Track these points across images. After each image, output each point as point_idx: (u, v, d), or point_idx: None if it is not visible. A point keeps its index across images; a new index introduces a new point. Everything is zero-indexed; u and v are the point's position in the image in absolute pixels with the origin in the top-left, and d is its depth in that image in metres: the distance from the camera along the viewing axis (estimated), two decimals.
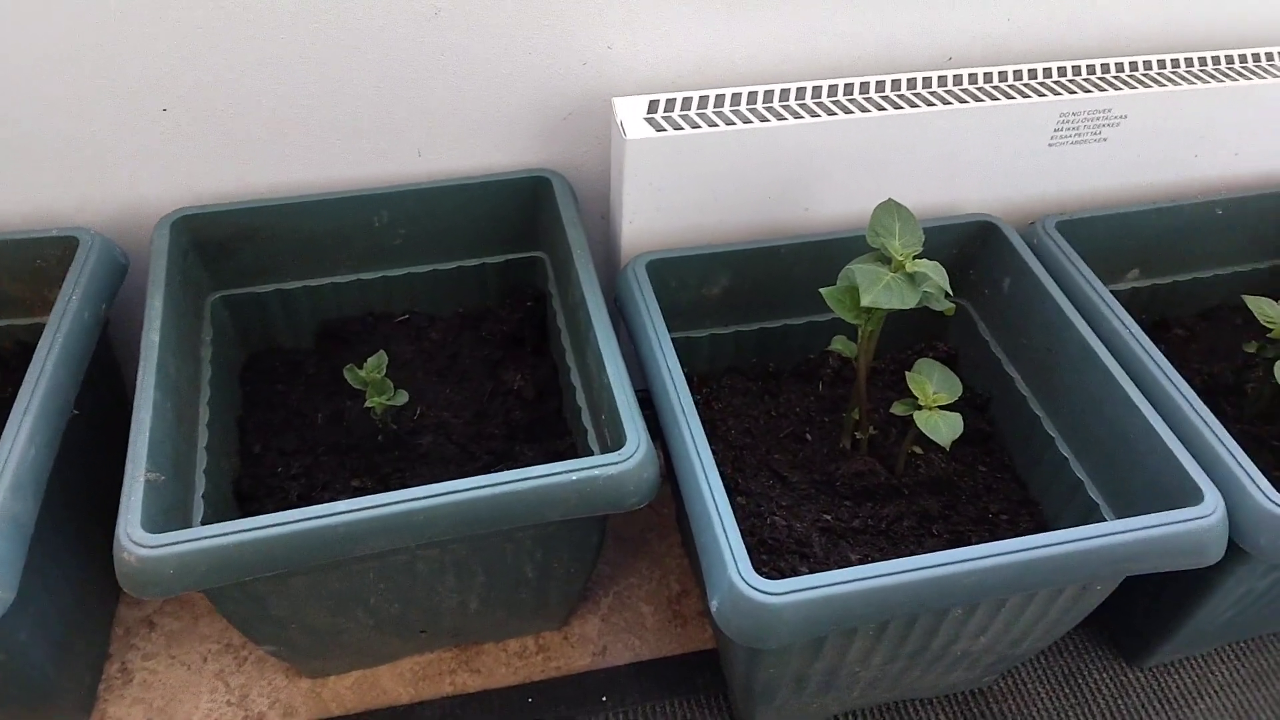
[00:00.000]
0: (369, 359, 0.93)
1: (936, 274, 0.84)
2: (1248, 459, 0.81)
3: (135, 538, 0.72)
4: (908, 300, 0.82)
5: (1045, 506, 0.95)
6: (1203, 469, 0.80)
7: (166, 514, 0.78)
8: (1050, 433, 0.94)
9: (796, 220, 1.03)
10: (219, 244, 0.99)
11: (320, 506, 0.73)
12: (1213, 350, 1.11)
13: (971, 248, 1.03)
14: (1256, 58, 1.07)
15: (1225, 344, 1.11)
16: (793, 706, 0.92)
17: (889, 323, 1.04)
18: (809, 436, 1.01)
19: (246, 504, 0.94)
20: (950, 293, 0.85)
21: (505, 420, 1.01)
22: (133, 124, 0.94)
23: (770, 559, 0.89)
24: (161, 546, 0.72)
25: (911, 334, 1.09)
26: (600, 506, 0.79)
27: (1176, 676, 1.06)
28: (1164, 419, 0.84)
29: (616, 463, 0.78)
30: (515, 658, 1.05)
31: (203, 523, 0.83)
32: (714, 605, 0.72)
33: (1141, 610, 1.01)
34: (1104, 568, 0.75)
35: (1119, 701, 1.03)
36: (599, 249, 1.12)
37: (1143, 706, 1.03)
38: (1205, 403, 1.02)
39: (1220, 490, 0.79)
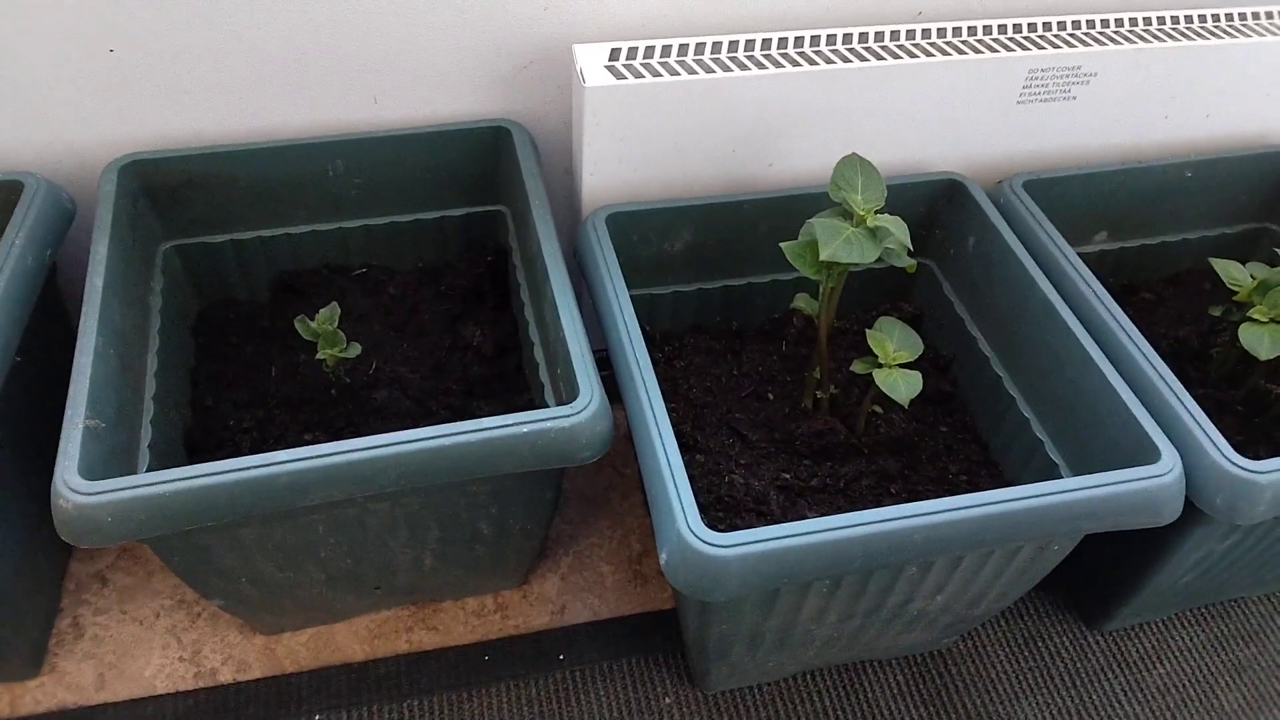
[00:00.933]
0: (321, 310, 0.91)
1: (898, 229, 0.82)
2: (1206, 419, 0.80)
3: (72, 484, 0.70)
4: (867, 255, 0.81)
5: (1006, 467, 0.94)
6: (1161, 428, 0.79)
7: (107, 462, 0.76)
8: (1012, 393, 0.93)
9: (761, 175, 1.01)
10: (170, 191, 0.97)
11: (261, 455, 0.72)
12: (1180, 314, 1.10)
13: (937, 206, 1.02)
14: (1230, 17, 1.06)
15: (1193, 308, 1.10)
16: (747, 664, 0.92)
17: (854, 282, 1.03)
18: (771, 395, 1.00)
19: (197, 456, 0.92)
20: (911, 248, 0.83)
21: (463, 376, 0.99)
22: (78, 65, 0.91)
23: (727, 516, 0.88)
24: (98, 494, 0.70)
25: (877, 294, 1.08)
26: (553, 460, 0.78)
27: (1136, 640, 1.06)
28: (1124, 379, 0.83)
29: (568, 415, 0.76)
30: (473, 616, 1.04)
31: (149, 473, 0.81)
32: (663, 558, 0.71)
33: (1102, 573, 1.00)
34: (1058, 525, 0.74)
35: (1078, 665, 1.03)
36: (563, 203, 1.11)
37: (1102, 670, 1.03)
38: (1171, 367, 1.02)
39: (1178, 450, 0.78)
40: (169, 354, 0.93)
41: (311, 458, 0.72)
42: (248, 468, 0.71)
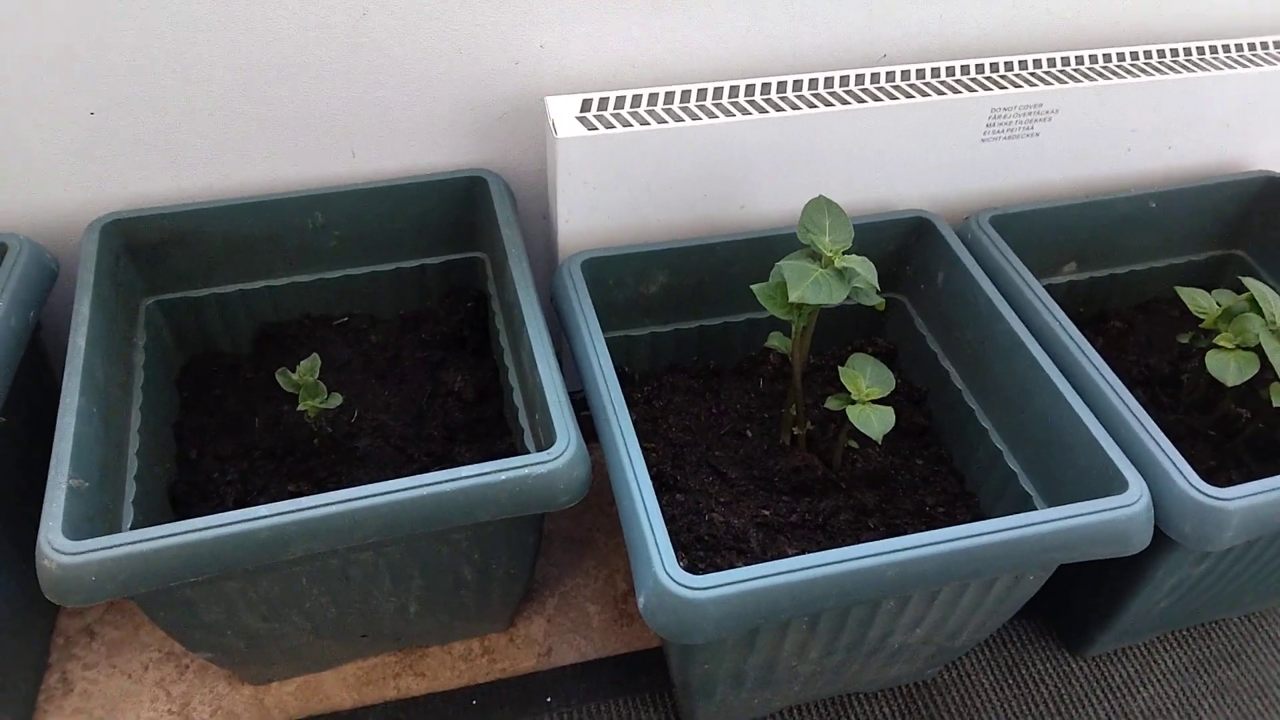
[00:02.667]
0: (302, 362, 0.92)
1: (865, 269, 0.84)
2: (1173, 448, 0.81)
3: (55, 544, 0.71)
4: (836, 295, 0.82)
5: (981, 499, 0.96)
6: (1128, 458, 0.81)
7: (92, 520, 0.77)
8: (984, 425, 0.94)
9: (733, 218, 1.03)
10: (152, 248, 0.98)
11: (241, 511, 0.73)
12: (1150, 342, 1.12)
13: (907, 243, 1.04)
14: (1188, 51, 1.09)
15: (1163, 335, 1.12)
16: (733, 702, 0.92)
17: (830, 319, 1.05)
18: (749, 433, 1.01)
19: (182, 510, 0.93)
20: (878, 288, 0.85)
21: (444, 422, 1.00)
22: (60, 128, 0.93)
23: (707, 555, 0.89)
24: (82, 553, 0.71)
25: (851, 330, 1.09)
26: (531, 506, 0.79)
27: (1120, 665, 1.07)
28: (1091, 410, 0.84)
29: (545, 461, 0.78)
30: (460, 660, 1.04)
31: (133, 529, 0.82)
32: (641, 601, 0.72)
33: (1081, 600, 1.01)
34: (1029, 558, 0.75)
35: (1063, 691, 1.04)
36: (543, 247, 1.12)
37: (1086, 696, 1.04)
38: (1143, 394, 1.04)
39: (1146, 479, 0.80)
40: (153, 409, 0.94)
41: (290, 512, 0.73)
42: (227, 524, 0.72)
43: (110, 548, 0.71)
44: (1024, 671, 1.06)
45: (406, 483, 0.75)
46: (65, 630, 1.06)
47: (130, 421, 0.90)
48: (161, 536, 0.72)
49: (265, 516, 0.73)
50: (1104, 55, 1.06)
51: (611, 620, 1.08)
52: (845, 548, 0.72)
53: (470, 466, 0.76)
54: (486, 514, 0.77)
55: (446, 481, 0.75)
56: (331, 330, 1.07)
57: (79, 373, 0.83)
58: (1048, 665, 1.06)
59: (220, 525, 0.72)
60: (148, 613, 0.82)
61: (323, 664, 1.01)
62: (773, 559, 0.86)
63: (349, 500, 0.74)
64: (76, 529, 0.74)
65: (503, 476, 0.76)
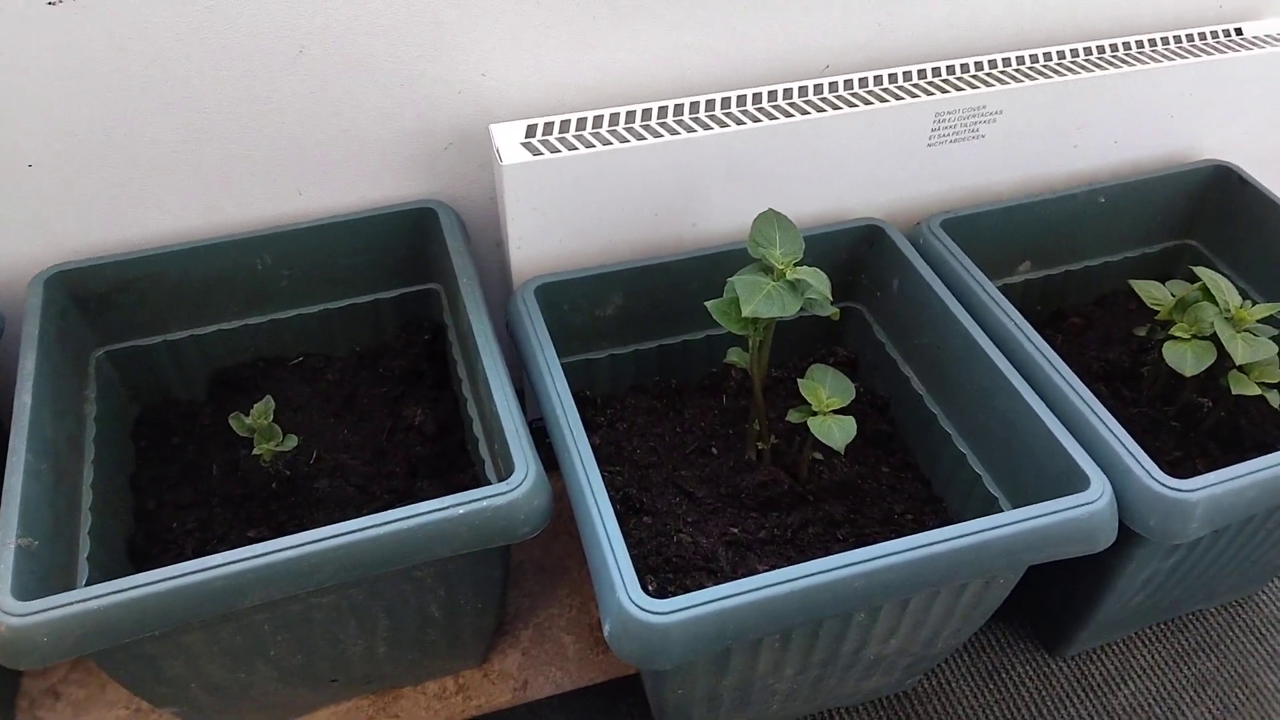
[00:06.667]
0: (256, 405, 0.91)
1: (817, 280, 0.84)
2: (1134, 442, 0.81)
3: (4, 606, 0.70)
4: (789, 308, 0.82)
5: (949, 503, 0.95)
6: (1089, 455, 0.80)
7: (44, 579, 0.76)
8: (946, 429, 0.94)
9: (687, 235, 1.03)
10: (99, 298, 0.97)
11: (194, 561, 0.71)
12: (1109, 336, 1.12)
13: (860, 252, 1.04)
14: (1129, 46, 1.10)
15: (1121, 329, 1.12)
16: None
17: (790, 330, 1.05)
18: (714, 450, 1.00)
19: (140, 562, 0.91)
20: (832, 298, 0.85)
21: (406, 457, 0.99)
22: None
23: (676, 577, 0.88)
24: (32, 614, 0.69)
25: (812, 341, 1.09)
26: (492, 539, 0.77)
27: (1099, 663, 1.06)
28: (1050, 408, 0.84)
29: (504, 493, 0.77)
30: (435, 700, 1.02)
31: (89, 585, 0.80)
32: (606, 629, 0.71)
33: (1056, 600, 1.01)
34: (994, 560, 0.75)
35: (1043, 693, 1.04)
36: (497, 276, 1.12)
37: (1067, 696, 1.03)
38: (1105, 388, 1.04)
39: (1108, 475, 0.79)
40: (106, 462, 0.92)
41: (245, 559, 0.71)
42: (180, 575, 0.70)
43: (61, 606, 0.70)
44: (1004, 675, 1.05)
45: (362, 523, 0.74)
46: (29, 692, 1.03)
47: (83, 476, 0.88)
48: (113, 592, 0.70)
49: (218, 566, 0.71)
50: (1044, 54, 1.07)
51: (587, 649, 1.07)
52: (809, 562, 0.71)
53: (427, 502, 0.75)
54: (447, 549, 0.76)
55: (403, 519, 0.74)
56: (287, 371, 1.06)
57: (25, 431, 0.81)
58: (1028, 668, 1.06)
59: (173, 577, 0.71)
60: (107, 671, 0.80)
61: (294, 712, 1.00)
62: (743, 577, 0.85)
63: (303, 544, 0.72)
64: (27, 589, 0.72)
65: (461, 510, 0.75)
